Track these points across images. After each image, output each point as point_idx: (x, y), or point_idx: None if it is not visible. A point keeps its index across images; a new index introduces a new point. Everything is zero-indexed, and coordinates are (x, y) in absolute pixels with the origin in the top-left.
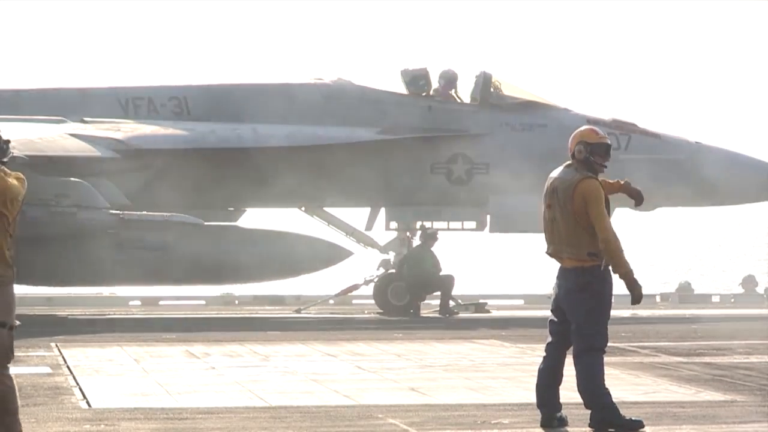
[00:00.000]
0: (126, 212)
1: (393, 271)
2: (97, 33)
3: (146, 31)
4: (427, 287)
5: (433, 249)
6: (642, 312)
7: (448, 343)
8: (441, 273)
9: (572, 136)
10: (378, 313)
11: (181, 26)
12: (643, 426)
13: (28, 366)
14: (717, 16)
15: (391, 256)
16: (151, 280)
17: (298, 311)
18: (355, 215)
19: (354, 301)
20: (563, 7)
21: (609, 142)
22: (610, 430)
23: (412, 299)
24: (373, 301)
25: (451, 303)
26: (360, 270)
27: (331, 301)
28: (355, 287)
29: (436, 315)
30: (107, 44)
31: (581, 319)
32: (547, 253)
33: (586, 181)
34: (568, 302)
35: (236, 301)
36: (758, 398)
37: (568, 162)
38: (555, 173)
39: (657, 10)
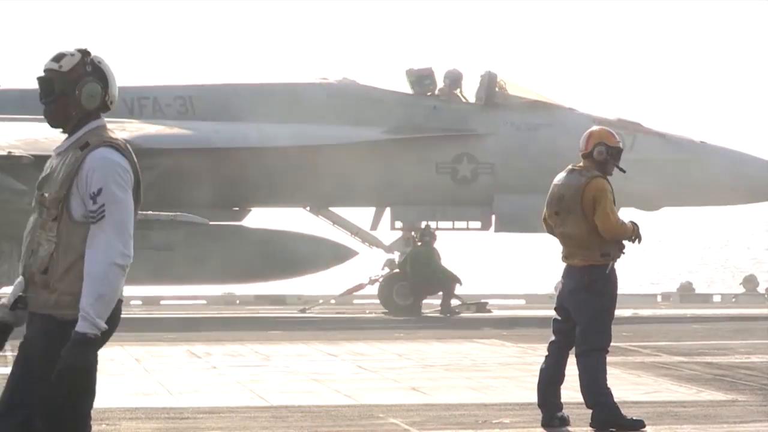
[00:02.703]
0: None
1: (398, 270)
2: (101, 33)
3: (151, 31)
4: (432, 286)
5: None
6: (643, 312)
7: (450, 343)
8: (445, 272)
9: (588, 135)
10: (383, 312)
11: (186, 26)
12: (644, 425)
13: None
14: (718, 16)
15: (396, 255)
16: (157, 280)
17: (303, 311)
18: (360, 215)
19: (356, 301)
20: (568, 6)
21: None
22: (611, 429)
23: (416, 299)
24: (374, 301)
25: (453, 302)
26: (365, 269)
27: (333, 301)
28: (360, 287)
29: (438, 315)
30: (111, 44)
31: (587, 319)
32: (563, 259)
33: (595, 180)
34: (573, 302)
35: (237, 301)
36: (759, 398)
37: (571, 167)
38: (558, 180)
39: (660, 9)
